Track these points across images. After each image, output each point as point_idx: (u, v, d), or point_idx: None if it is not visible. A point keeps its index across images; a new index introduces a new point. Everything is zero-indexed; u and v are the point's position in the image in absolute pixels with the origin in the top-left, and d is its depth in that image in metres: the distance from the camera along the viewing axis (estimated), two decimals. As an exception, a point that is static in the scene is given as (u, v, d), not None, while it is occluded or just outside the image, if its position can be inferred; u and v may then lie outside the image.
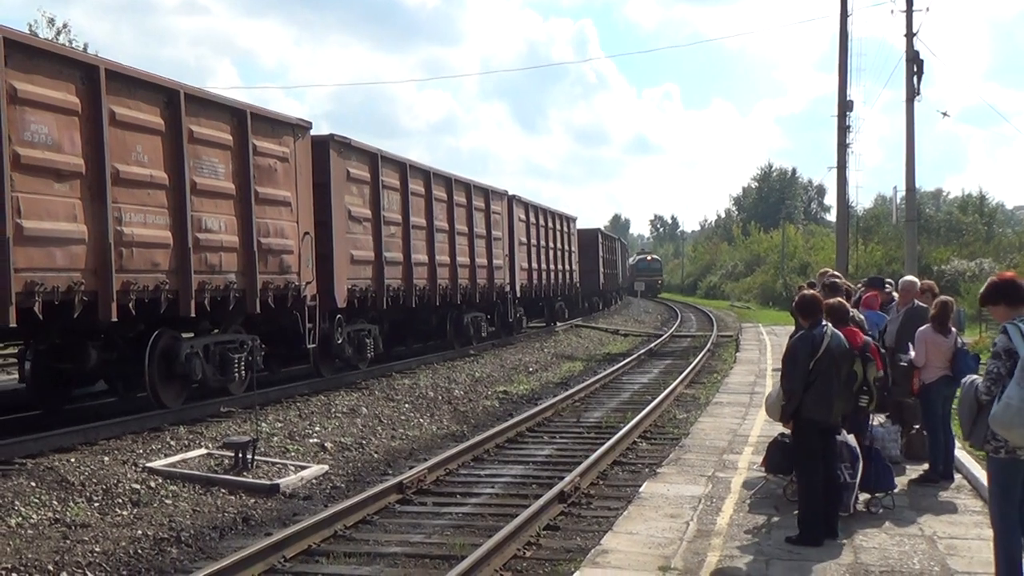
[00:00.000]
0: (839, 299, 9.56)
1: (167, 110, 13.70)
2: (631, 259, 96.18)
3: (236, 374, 15.55)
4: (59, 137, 11.75)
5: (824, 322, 8.36)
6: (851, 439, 8.99)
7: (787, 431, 9.08)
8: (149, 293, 13.22)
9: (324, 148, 18.43)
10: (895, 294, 12.93)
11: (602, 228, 60.57)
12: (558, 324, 39.79)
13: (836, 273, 13.45)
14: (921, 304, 11.62)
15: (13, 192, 10.97)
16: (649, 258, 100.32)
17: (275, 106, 16.81)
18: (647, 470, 12.30)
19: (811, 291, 9.28)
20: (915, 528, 8.76)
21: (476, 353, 26.49)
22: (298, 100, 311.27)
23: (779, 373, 9.31)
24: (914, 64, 29.55)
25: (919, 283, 12.38)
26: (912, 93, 29.69)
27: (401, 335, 24.36)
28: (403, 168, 22.07)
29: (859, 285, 14.48)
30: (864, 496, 9.34)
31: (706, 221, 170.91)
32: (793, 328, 20.84)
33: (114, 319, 12.54)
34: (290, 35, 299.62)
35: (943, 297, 11.06)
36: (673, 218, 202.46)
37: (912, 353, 10.52)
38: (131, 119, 13.00)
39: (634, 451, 13.95)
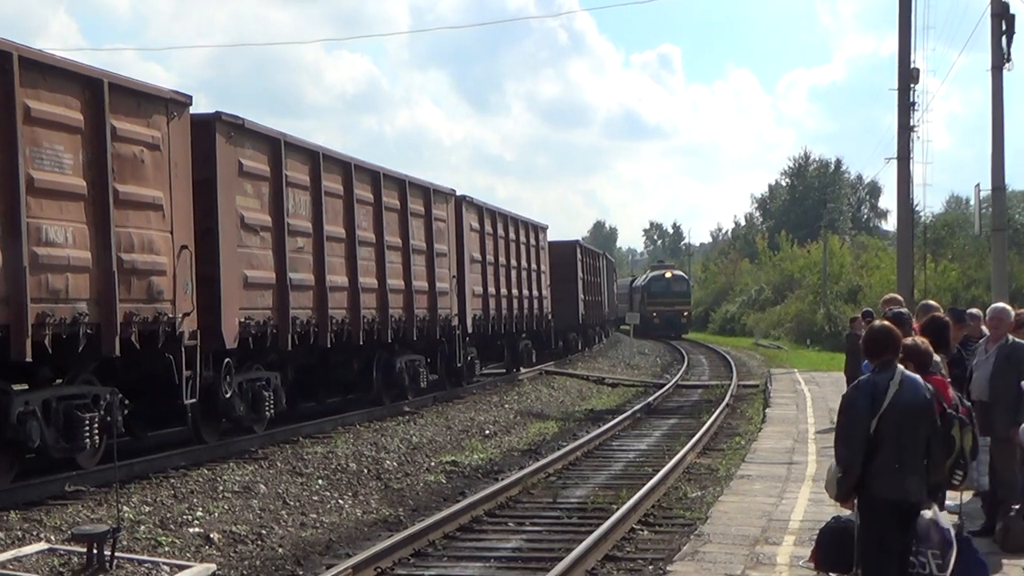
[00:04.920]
0: (920, 339, 9.41)
1: (-4, 79, 13.67)
2: (640, 278, 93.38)
3: (88, 440, 15.41)
4: None
5: (895, 364, 8.29)
6: (942, 516, 8.90)
7: (845, 512, 9.08)
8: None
9: (208, 131, 18.42)
10: (984, 327, 12.98)
11: (581, 240, 60.78)
12: (523, 370, 39.98)
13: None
14: (1018, 340, 11.72)
15: None
16: (669, 274, 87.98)
17: (130, 73, 16.72)
18: (651, 567, 12.34)
19: (884, 322, 9.16)
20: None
21: (413, 410, 26.52)
22: (162, 66, 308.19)
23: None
24: (1002, 20, 29.84)
25: (1014, 312, 12.45)
26: (1000, 59, 30.01)
27: (311, 386, 24.30)
28: (315, 159, 22.13)
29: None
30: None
31: (720, 231, 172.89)
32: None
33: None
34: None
35: None
36: (676, 227, 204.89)
37: None
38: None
39: (633, 542, 14.00)
